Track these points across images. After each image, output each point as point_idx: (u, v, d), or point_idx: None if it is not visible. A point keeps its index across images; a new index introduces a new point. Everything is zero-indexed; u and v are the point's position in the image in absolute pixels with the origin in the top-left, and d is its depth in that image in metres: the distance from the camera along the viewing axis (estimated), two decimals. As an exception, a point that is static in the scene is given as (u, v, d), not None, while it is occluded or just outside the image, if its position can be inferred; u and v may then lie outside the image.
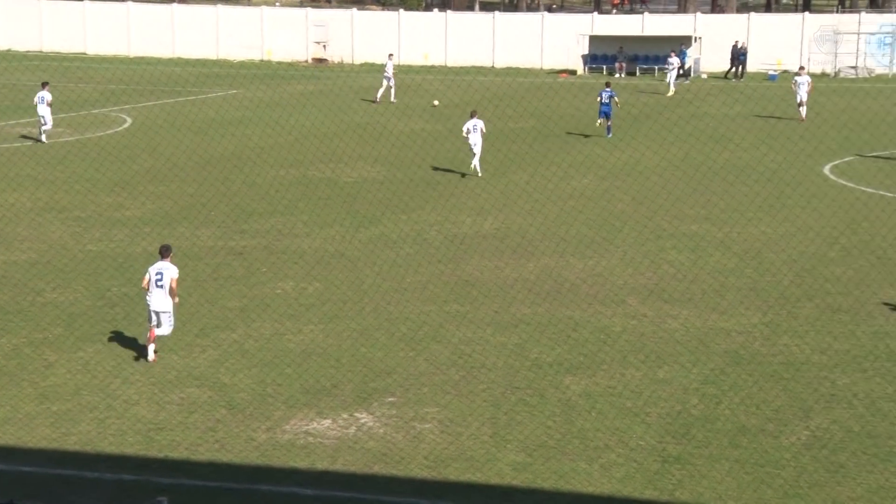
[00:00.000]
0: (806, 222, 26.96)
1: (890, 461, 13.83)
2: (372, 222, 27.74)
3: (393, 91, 55.03)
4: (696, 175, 32.88)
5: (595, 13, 79.17)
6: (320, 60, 78.30)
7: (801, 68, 50.96)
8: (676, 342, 18.43)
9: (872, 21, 69.25)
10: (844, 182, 32.89)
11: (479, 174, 33.89)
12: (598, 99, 42.46)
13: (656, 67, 69.78)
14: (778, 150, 37.57)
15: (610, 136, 42.06)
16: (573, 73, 71.57)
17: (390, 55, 57.86)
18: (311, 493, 13.27)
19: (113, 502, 12.96)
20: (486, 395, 16.14)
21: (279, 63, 77.66)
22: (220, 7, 79.93)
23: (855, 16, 69.57)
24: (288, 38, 78.94)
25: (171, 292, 17.41)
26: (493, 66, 73.54)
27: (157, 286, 17.40)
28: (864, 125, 40.65)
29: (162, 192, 31.27)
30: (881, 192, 30.91)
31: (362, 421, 15.27)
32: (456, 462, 13.95)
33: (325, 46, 78.59)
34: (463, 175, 34.21)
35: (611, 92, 41.92)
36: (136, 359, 17.73)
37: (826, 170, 35.05)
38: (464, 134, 34.06)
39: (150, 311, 17.57)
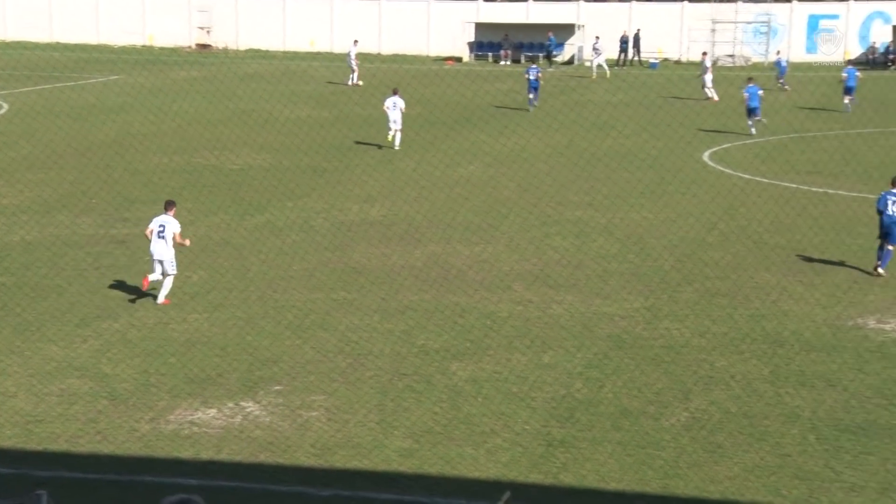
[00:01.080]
0: (686, 208, 27.53)
1: (765, 441, 14.23)
2: (258, 210, 27.51)
3: (355, 75, 56.54)
4: (579, 162, 33.31)
5: (480, 0, 79.47)
6: (204, 46, 77.22)
7: (704, 54, 53.11)
8: (561, 327, 18.67)
9: (748, 10, 70.87)
10: (722, 168, 33.65)
11: (397, 147, 36.20)
12: (527, 76, 47.56)
13: (540, 55, 70.38)
14: (659, 136, 38.27)
15: (532, 109, 46.65)
16: (459, 60, 71.83)
17: (355, 41, 59.41)
18: (196, 482, 13.13)
19: (-9, 497, 12.67)
20: (373, 382, 16.16)
21: (162, 48, 76.37)
22: (100, -10, 78.32)
23: (732, 5, 71.08)
24: (170, 23, 77.66)
25: (175, 242, 19.36)
26: (379, 53, 73.38)
27: (160, 237, 19.36)
28: (741, 113, 41.60)
29: (40, 180, 30.56)
30: (757, 179, 31.71)
31: (248, 410, 15.16)
32: (343, 449, 13.95)
33: (208, 32, 77.52)
34: (380, 147, 36.44)
35: (538, 69, 47.93)
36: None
37: (705, 156, 35.81)
38: (384, 109, 36.66)
39: (153, 260, 19.51)
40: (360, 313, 19.36)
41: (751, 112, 39.93)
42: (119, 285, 20.92)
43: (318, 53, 74.33)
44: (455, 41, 72.68)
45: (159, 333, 18.23)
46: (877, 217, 22.12)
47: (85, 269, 22.00)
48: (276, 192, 29.22)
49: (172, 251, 19.48)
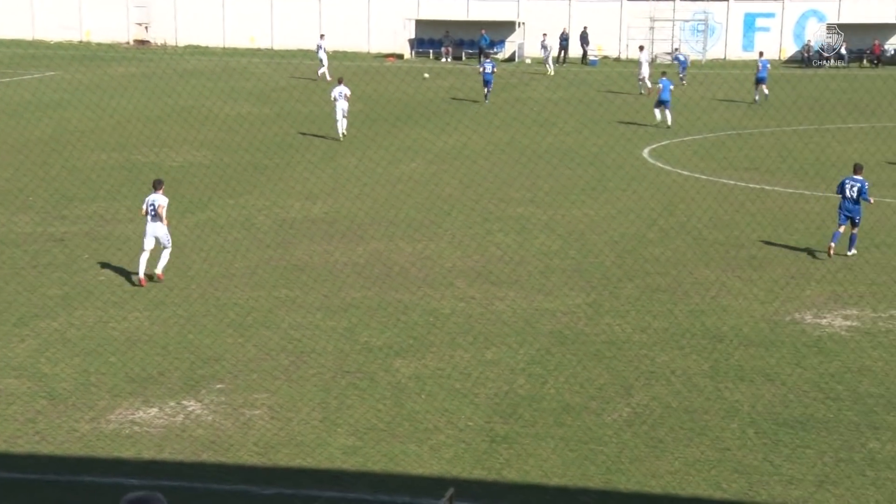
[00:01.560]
0: (626, 204, 27.74)
1: (705, 435, 14.40)
2: (199, 207, 27.31)
3: (325, 70, 57.30)
4: (521, 159, 33.45)
5: (421, -3, 79.43)
6: (142, 42, 76.45)
7: (641, 48, 54.05)
8: (504, 323, 18.74)
9: (686, 9, 71.52)
10: (662, 165, 33.95)
11: (341, 138, 37.70)
12: (481, 69, 49.22)
13: (491, 51, 70.41)
14: (599, 133, 38.53)
15: (487, 102, 48.08)
16: (400, 57, 71.77)
17: (322, 35, 60.33)
18: (138, 482, 13.00)
19: (-73, 500, 12.48)
20: (316, 380, 16.12)
21: (99, 44, 75.46)
22: (36, -15, 77.20)
23: (670, 3, 71.67)
24: (108, 19, 76.75)
25: (160, 217, 20.51)
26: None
27: (152, 215, 20.57)
28: (680, 110, 42.03)
29: (-24, 177, 30.09)
30: (696, 175, 32.03)
31: (190, 409, 15.06)
32: (286, 447, 13.91)
33: (147, 28, 76.75)
34: (333, 139, 37.82)
35: (493, 64, 49.80)
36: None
37: (645, 153, 36.10)
38: (332, 100, 38.19)
39: (147, 233, 20.64)
40: (303, 311, 19.30)
41: (662, 103, 41.85)
42: (57, 284, 20.68)
43: (258, 50, 73.90)
44: (396, 38, 72.61)
45: (99, 332, 18.05)
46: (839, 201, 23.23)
47: (22, 267, 21.72)
48: (217, 189, 29.01)
49: (165, 226, 20.67)
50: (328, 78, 55.86)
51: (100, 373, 16.28)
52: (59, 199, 27.78)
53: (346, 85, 38.23)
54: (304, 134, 38.69)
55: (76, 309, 19.24)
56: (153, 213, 20.55)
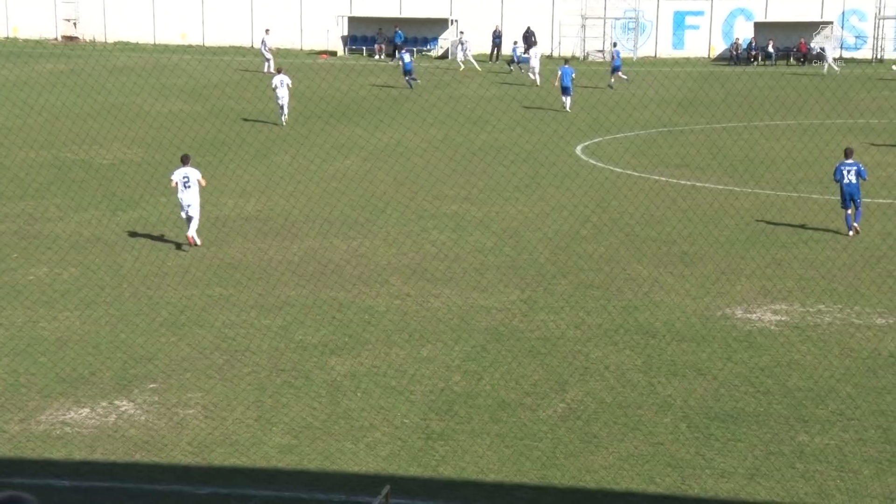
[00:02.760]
0: (560, 201, 27.91)
1: (639, 430, 14.54)
2: (130, 205, 27.02)
3: (269, 65, 58.47)
4: (455, 156, 33.49)
5: (354, -6, 79.14)
6: (70, 38, 75.36)
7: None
8: (439, 321, 18.77)
9: (617, 6, 72.05)
10: (595, 162, 34.20)
11: (284, 124, 40.45)
12: (400, 61, 54.56)
13: (414, 49, 70.40)
14: (532, 131, 38.70)
15: (413, 85, 52.15)
16: (333, 54, 71.51)
17: (266, 30, 61.30)
18: (69, 484, 12.88)
19: None
20: (250, 379, 16.04)
21: (26, 41, 74.26)
22: (-40, -21, 75.78)
23: (601, 1, 72.12)
24: (35, 14, 75.52)
25: (200, 185, 22.74)
26: (252, 46, 72.58)
27: (186, 187, 22.63)
28: (612, 107, 42.32)
29: None
30: (628, 172, 32.31)
31: (123, 409, 14.91)
32: (220, 447, 13.82)
33: (75, 24, 75.66)
34: (276, 123, 40.76)
35: (408, 53, 54.56)
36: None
37: (578, 150, 36.34)
38: (273, 88, 40.92)
39: (182, 205, 22.70)
40: (237, 309, 19.18)
41: (564, 90, 45.39)
42: (-15, 284, 20.36)
43: (190, 46, 73.17)
44: (329, 35, 72.32)
45: (28, 332, 17.79)
46: (837, 187, 24.87)
47: (-51, 267, 21.34)
48: (148, 187, 28.72)
49: (199, 196, 22.76)
50: (272, 71, 55.94)
51: (29, 373, 16.06)
52: (-13, 198, 27.31)
53: (286, 73, 40.89)
54: (243, 123, 38.40)
55: (4, 309, 18.95)
56: (186, 184, 22.44)
